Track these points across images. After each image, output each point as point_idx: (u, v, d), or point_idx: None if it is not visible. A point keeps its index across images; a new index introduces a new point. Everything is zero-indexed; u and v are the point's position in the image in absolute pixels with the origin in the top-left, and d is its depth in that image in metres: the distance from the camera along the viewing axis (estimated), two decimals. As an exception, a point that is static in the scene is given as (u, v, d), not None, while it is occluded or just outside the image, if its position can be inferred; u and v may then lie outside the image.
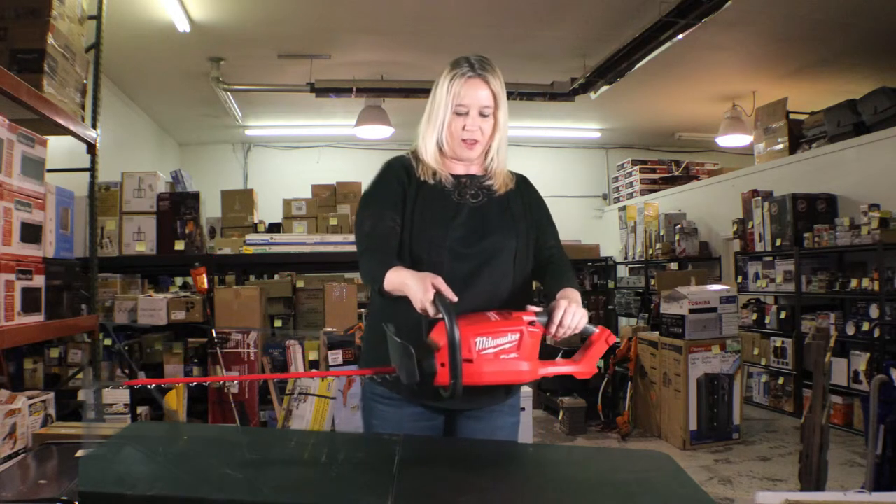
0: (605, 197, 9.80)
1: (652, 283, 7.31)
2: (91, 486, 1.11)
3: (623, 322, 7.95)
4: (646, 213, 7.90)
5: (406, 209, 1.62)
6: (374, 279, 1.51)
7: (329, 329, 3.72)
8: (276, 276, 4.64)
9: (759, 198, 5.94)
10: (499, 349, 1.37)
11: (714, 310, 4.73)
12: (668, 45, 5.03)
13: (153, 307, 3.62)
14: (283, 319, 4.08)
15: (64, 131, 2.60)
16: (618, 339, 5.80)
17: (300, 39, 5.52)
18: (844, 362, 4.92)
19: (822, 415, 2.65)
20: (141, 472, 1.19)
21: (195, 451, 1.39)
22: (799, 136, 6.19)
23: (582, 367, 1.50)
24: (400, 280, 1.44)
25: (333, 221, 4.63)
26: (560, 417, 5.19)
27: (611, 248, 8.51)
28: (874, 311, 4.68)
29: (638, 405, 5.18)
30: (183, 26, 4.89)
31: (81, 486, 1.13)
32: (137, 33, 5.03)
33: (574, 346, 1.60)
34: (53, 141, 2.39)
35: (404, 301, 1.42)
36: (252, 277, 5.01)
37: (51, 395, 2.23)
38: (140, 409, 3.01)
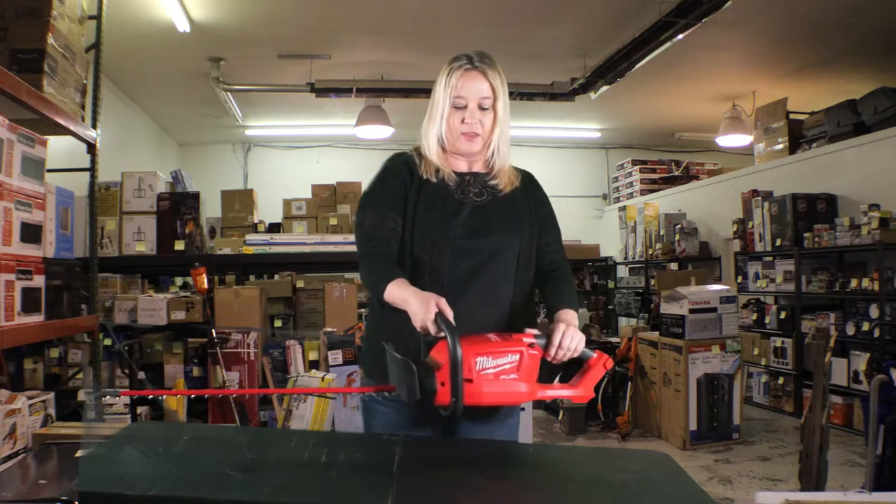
0: (605, 197, 9.80)
1: (652, 283, 7.31)
2: (91, 486, 1.11)
3: (623, 322, 7.94)
4: (646, 213, 7.89)
5: (407, 207, 1.61)
6: (375, 289, 1.51)
7: (329, 329, 3.72)
8: (276, 276, 4.64)
9: (759, 198, 5.94)
10: (499, 369, 1.37)
11: (714, 310, 4.73)
12: (668, 45, 5.03)
13: (153, 307, 3.61)
14: (283, 319, 4.07)
15: (64, 131, 2.60)
16: (618, 339, 5.80)
17: (300, 39, 5.52)
18: (844, 362, 4.92)
19: (822, 415, 2.65)
20: (141, 472, 1.18)
21: (195, 451, 1.39)
22: (799, 136, 6.19)
23: (580, 392, 1.50)
24: (402, 297, 1.44)
25: (333, 221, 4.63)
26: (560, 417, 5.18)
27: (611, 248, 8.52)
28: (874, 311, 4.68)
29: (638, 405, 5.18)
30: (183, 26, 4.89)
31: (81, 486, 1.12)
32: (137, 33, 5.03)
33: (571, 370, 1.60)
34: (53, 141, 2.38)
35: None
36: (252, 277, 5.01)
37: (51, 395, 2.23)
38: (140, 409, 3.02)
